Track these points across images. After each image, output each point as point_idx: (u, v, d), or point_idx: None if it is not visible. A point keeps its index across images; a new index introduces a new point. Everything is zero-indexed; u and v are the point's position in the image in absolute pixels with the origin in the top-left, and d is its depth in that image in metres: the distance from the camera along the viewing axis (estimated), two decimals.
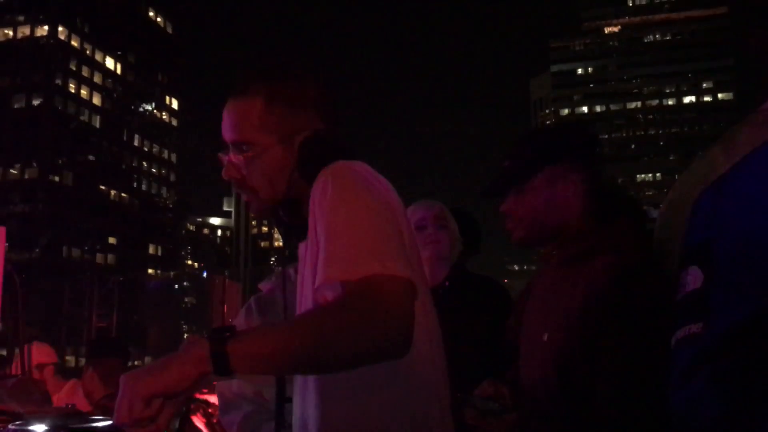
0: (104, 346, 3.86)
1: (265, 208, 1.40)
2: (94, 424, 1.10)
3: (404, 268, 1.15)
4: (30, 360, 3.85)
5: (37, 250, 60.87)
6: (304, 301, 1.35)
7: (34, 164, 67.69)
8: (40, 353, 3.89)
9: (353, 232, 1.17)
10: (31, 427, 1.10)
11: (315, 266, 1.22)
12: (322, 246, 1.19)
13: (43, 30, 70.03)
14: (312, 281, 1.26)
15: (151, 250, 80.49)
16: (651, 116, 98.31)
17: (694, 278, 0.79)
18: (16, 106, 68.94)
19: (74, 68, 72.18)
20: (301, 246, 1.39)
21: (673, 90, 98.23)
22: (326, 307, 1.17)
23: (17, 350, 3.25)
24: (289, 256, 1.55)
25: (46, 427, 1.10)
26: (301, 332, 1.09)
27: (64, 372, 4.05)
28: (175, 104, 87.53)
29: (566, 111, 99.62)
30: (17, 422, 1.16)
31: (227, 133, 1.39)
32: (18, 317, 2.74)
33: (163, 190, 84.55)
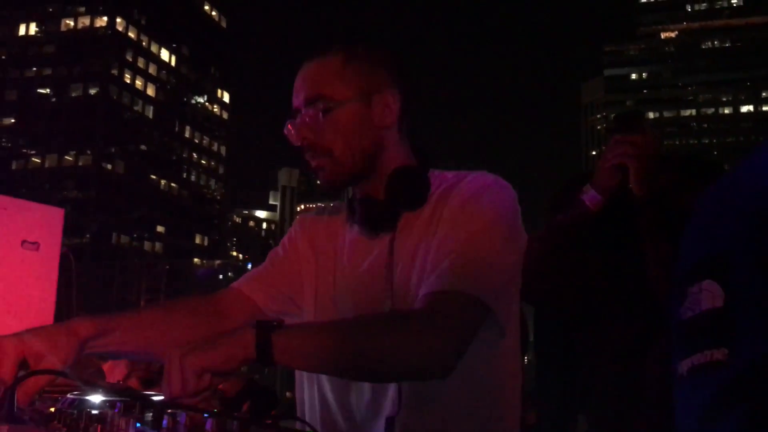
0: None
1: (338, 173, 1.31)
2: (151, 397, 1.10)
3: (504, 310, 1.23)
4: None
5: (88, 236, 62.45)
6: (401, 271, 1.30)
7: (88, 152, 69.47)
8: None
9: (483, 255, 1.21)
10: (88, 398, 1.12)
11: (423, 249, 1.26)
12: (453, 249, 1.21)
13: (102, 21, 71.79)
14: (414, 259, 1.27)
15: (198, 240, 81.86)
16: (705, 125, 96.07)
17: (711, 295, 0.67)
18: (73, 95, 70.89)
19: (130, 59, 73.80)
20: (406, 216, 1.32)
21: (729, 98, 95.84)
22: (388, 317, 1.23)
23: None
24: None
25: (103, 398, 1.12)
26: (348, 338, 1.13)
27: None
28: (226, 98, 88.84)
29: None
30: (75, 393, 1.17)
31: (301, 92, 1.32)
32: (72, 296, 2.77)
33: (212, 182, 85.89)
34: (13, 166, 70.04)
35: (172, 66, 79.36)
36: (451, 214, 1.27)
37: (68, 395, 1.15)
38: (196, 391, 1.05)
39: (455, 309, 1.16)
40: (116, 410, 1.03)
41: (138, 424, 0.99)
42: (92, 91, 70.73)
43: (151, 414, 1.04)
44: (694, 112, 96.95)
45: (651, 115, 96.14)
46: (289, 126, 1.33)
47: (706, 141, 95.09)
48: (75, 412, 1.00)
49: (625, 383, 1.69)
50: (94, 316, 1.30)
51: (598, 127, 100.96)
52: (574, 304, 1.82)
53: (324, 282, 1.39)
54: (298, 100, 1.32)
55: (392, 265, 1.30)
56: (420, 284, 1.25)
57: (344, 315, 1.32)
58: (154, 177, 75.47)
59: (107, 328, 1.28)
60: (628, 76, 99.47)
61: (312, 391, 1.39)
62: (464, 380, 1.23)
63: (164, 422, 0.99)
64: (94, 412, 1.04)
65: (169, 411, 1.01)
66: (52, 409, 0.99)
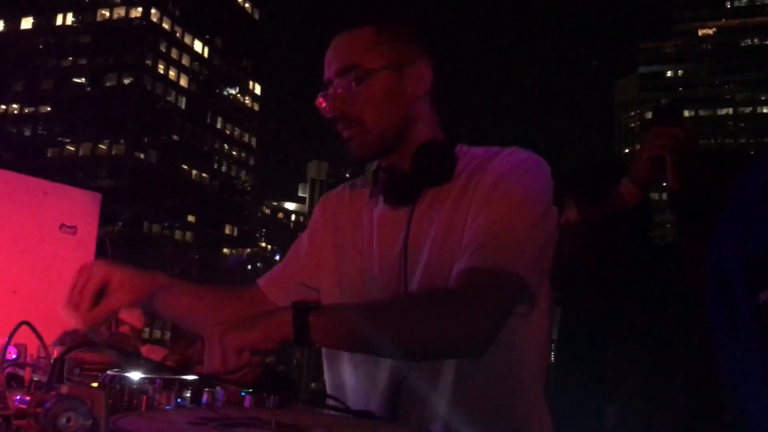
0: None
1: (369, 143, 1.31)
2: (189, 377, 1.13)
3: (537, 285, 1.23)
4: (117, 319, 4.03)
5: (120, 223, 63.36)
6: (419, 248, 1.30)
7: (122, 141, 70.41)
8: (128, 315, 4.07)
9: (519, 232, 1.21)
10: (129, 374, 1.13)
11: (449, 226, 1.26)
12: (487, 225, 1.21)
13: (137, 12, 72.62)
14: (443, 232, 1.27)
15: (227, 230, 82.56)
16: (742, 124, 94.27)
17: None
18: (108, 84, 71.85)
19: (164, 50, 74.55)
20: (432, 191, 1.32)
21: None
22: (425, 295, 1.23)
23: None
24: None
25: (142, 375, 1.14)
26: (385, 318, 1.14)
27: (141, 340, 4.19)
28: (258, 90, 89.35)
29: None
30: (115, 369, 1.19)
31: (333, 63, 1.32)
32: None
33: (242, 173, 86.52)
34: (49, 154, 71.27)
35: (204, 57, 80.00)
36: (484, 191, 1.26)
37: (108, 372, 1.15)
38: (236, 368, 1.06)
39: (491, 285, 1.17)
40: (156, 386, 1.06)
41: (179, 400, 1.01)
42: (126, 81, 71.63)
43: (189, 391, 1.06)
44: (731, 111, 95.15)
45: (686, 113, 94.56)
46: (320, 98, 1.33)
47: (743, 140, 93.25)
48: (118, 386, 1.03)
49: (656, 374, 1.68)
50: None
51: (632, 125, 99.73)
52: (608, 294, 1.82)
53: (349, 257, 1.39)
54: (329, 71, 1.32)
55: (407, 239, 1.30)
56: (440, 260, 1.25)
57: (369, 289, 1.32)
58: (185, 167, 76.25)
59: (175, 287, 1.44)
60: (664, 73, 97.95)
61: (340, 370, 1.39)
62: (494, 353, 1.22)
63: (203, 399, 1.01)
64: (135, 387, 1.06)
65: (207, 389, 1.02)
66: (95, 384, 1.01)
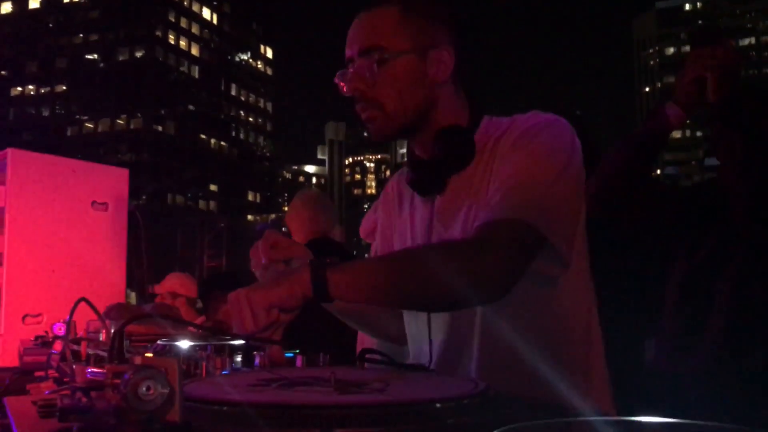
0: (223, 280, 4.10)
1: (388, 127, 1.31)
2: (234, 341, 1.17)
3: (562, 239, 1.22)
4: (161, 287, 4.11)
5: (144, 197, 64.00)
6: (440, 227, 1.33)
7: (139, 115, 70.61)
8: (178, 283, 4.14)
9: (539, 185, 1.21)
10: (178, 343, 1.17)
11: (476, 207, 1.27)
12: (505, 181, 1.22)
13: None
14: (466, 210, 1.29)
15: (250, 197, 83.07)
16: (766, 53, 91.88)
17: None
18: (120, 59, 71.79)
19: (173, 20, 74.12)
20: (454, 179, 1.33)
21: None
22: (439, 246, 1.25)
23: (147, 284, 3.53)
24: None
25: (191, 343, 1.17)
26: (399, 268, 1.16)
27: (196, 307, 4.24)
28: (269, 53, 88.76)
29: (672, 50, 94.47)
30: (164, 339, 1.22)
31: (355, 42, 1.31)
32: (142, 253, 2.87)
33: (260, 139, 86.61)
34: (69, 133, 71.79)
35: (214, 24, 79.46)
36: (506, 148, 1.27)
37: (158, 342, 1.19)
38: (267, 325, 1.08)
39: (507, 235, 1.16)
40: (208, 352, 1.08)
41: (233, 364, 1.04)
42: (138, 54, 71.49)
43: (240, 355, 1.09)
44: (753, 40, 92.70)
45: None
46: (340, 76, 1.33)
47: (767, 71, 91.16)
48: (172, 355, 1.05)
49: (693, 310, 1.69)
50: None
51: (651, 63, 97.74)
52: (647, 217, 1.83)
53: (394, 243, 1.46)
54: (351, 50, 1.31)
55: (431, 228, 1.33)
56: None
57: None
58: (203, 137, 76.45)
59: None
60: (682, 7, 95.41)
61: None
62: (526, 313, 1.24)
63: (257, 361, 1.05)
64: (188, 355, 1.09)
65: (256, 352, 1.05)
66: (149, 354, 1.10)
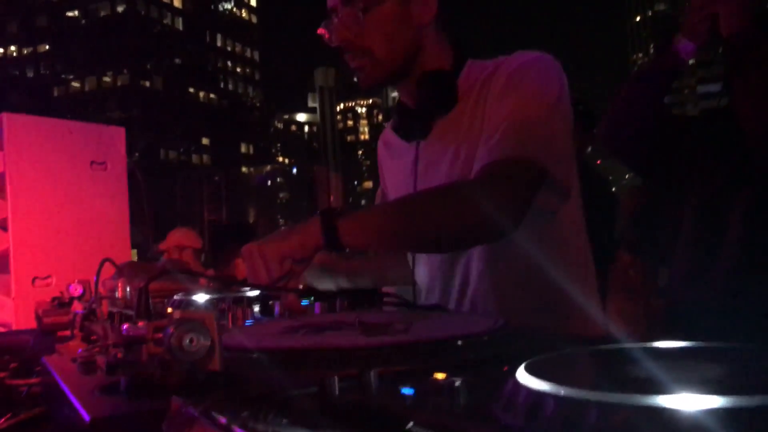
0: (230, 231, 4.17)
1: (378, 73, 1.31)
2: (250, 293, 1.19)
3: (562, 172, 1.24)
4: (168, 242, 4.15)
5: (137, 154, 63.60)
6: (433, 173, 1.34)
7: (125, 71, 69.56)
8: (182, 236, 4.19)
9: (536, 121, 1.21)
10: (194, 297, 1.18)
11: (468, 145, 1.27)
12: (502, 120, 1.21)
13: None
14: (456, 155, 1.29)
15: (243, 149, 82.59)
16: None
17: None
18: (102, 14, 70.31)
19: None
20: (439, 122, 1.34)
21: None
22: (445, 188, 1.25)
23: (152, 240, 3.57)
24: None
25: (208, 296, 1.18)
26: (408, 212, 1.17)
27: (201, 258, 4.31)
28: (253, 1, 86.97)
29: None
30: (180, 293, 1.23)
31: None
32: (144, 210, 2.89)
33: (249, 89, 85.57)
34: (55, 93, 70.84)
35: None
36: (497, 90, 1.27)
37: (174, 297, 1.21)
38: (281, 275, 1.10)
39: (510, 173, 1.18)
40: (228, 304, 1.08)
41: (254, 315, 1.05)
42: (119, 9, 70.01)
43: (258, 305, 1.09)
44: None
45: None
46: (324, 27, 1.32)
47: None
48: (193, 308, 1.06)
49: (706, 237, 1.71)
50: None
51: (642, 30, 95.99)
52: (657, 152, 1.83)
53: (389, 190, 1.51)
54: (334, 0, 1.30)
55: (416, 172, 1.36)
56: (462, 174, 1.28)
57: None
58: (192, 90, 75.51)
59: None
60: None
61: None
62: (530, 244, 1.26)
63: (276, 309, 1.05)
64: (207, 307, 1.10)
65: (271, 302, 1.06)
66: (169, 310, 1.05)
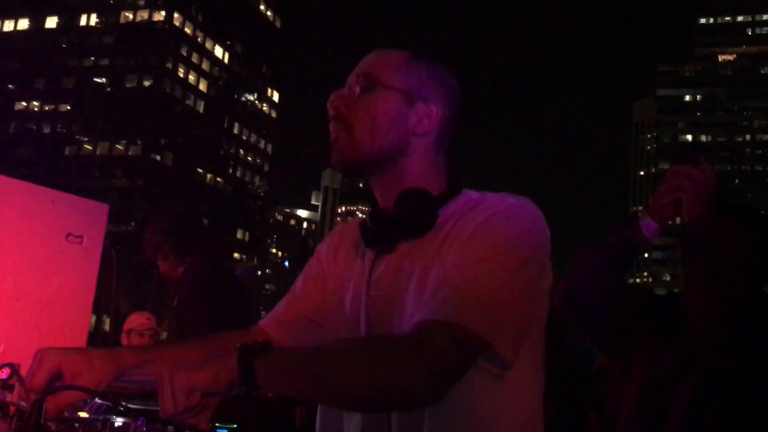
0: None
1: (351, 152, 1.27)
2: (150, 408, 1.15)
3: (506, 343, 1.13)
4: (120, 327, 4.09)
5: (133, 223, 63.67)
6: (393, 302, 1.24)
7: (138, 142, 70.84)
8: (142, 320, 4.15)
9: (489, 285, 1.13)
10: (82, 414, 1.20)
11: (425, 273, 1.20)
12: (455, 276, 1.15)
13: (160, 15, 73.31)
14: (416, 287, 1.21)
15: (239, 235, 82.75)
16: (760, 151, 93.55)
17: None
18: (128, 86, 72.41)
19: (185, 54, 75.12)
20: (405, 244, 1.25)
21: None
22: (373, 343, 1.18)
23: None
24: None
25: (121, 420, 1.19)
26: (328, 364, 1.10)
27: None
28: (276, 97, 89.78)
29: (669, 137, 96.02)
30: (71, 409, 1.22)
31: (357, 69, 1.31)
32: (112, 289, 2.85)
33: (256, 179, 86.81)
34: (66, 152, 71.85)
35: (224, 63, 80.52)
36: (461, 237, 1.20)
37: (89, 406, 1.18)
38: (185, 408, 1.06)
39: (445, 341, 1.10)
40: (140, 422, 1.08)
41: None
42: (146, 83, 72.17)
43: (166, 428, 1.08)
44: (748, 137, 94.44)
45: (703, 138, 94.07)
46: (331, 95, 1.32)
47: (760, 168, 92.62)
48: (98, 424, 1.06)
49: (647, 419, 1.68)
50: (143, 347, 1.34)
51: (648, 147, 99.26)
52: (609, 324, 1.82)
53: (336, 295, 1.37)
54: (351, 75, 1.32)
55: (368, 287, 1.27)
56: (403, 308, 1.21)
57: (341, 330, 1.31)
58: (200, 170, 76.60)
59: (150, 359, 1.27)
60: (682, 97, 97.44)
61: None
62: (462, 415, 1.17)
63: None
64: (118, 424, 1.10)
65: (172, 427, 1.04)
66: (77, 425, 1.03)
